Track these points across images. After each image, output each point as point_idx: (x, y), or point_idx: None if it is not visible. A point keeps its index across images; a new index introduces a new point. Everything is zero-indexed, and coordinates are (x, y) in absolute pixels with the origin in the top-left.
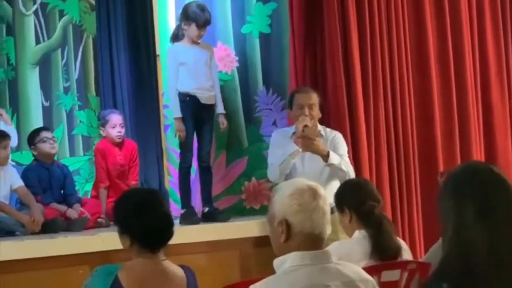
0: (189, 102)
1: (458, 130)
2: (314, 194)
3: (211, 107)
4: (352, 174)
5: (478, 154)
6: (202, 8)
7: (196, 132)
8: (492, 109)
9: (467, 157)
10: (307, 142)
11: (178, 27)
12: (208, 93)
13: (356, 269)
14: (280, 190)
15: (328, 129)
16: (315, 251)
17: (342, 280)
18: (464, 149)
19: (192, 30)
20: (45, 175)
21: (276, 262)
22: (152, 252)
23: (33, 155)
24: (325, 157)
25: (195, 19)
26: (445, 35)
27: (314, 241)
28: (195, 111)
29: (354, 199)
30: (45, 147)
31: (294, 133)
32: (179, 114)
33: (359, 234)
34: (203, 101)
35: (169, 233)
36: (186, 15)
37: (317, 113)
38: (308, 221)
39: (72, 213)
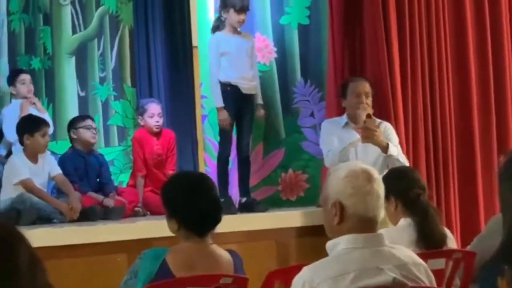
0: (230, 92)
1: (496, 120)
2: (368, 177)
3: (251, 98)
4: (407, 165)
5: None
6: None
7: (236, 122)
8: None
9: (504, 146)
10: (368, 133)
11: (218, 19)
12: (249, 83)
13: (409, 253)
14: (334, 173)
15: (378, 119)
16: (368, 233)
17: (395, 263)
18: (501, 138)
19: (231, 16)
20: (81, 163)
21: (329, 244)
22: (199, 237)
23: (71, 141)
24: (385, 148)
25: (233, 3)
26: (484, 29)
27: (367, 224)
28: (235, 102)
29: (400, 187)
30: (87, 134)
31: (347, 122)
32: (221, 103)
33: (405, 222)
34: (244, 91)
35: (218, 218)
36: (224, 2)
37: (371, 102)
38: (362, 204)
39: (109, 201)
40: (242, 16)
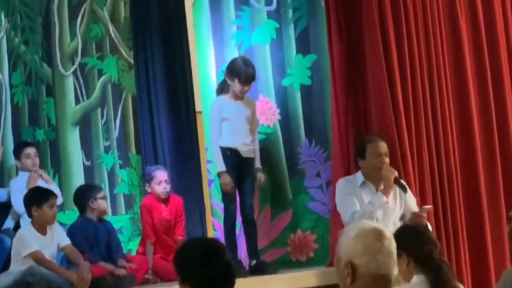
0: (230, 156)
1: (502, 174)
2: (379, 235)
3: (251, 160)
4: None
5: None
6: (247, 63)
7: (238, 185)
8: None
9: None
10: (421, 219)
11: (223, 82)
12: (248, 147)
13: None
14: (345, 233)
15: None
16: None
17: None
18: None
19: (235, 85)
20: (92, 232)
21: None
22: None
23: (81, 210)
24: None
25: (238, 74)
26: (485, 79)
27: (380, 283)
28: (236, 165)
29: (411, 244)
30: (104, 204)
31: (364, 182)
32: (223, 167)
33: (418, 279)
34: (244, 154)
35: (232, 282)
36: (230, 70)
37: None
38: (373, 262)
39: (121, 271)
40: (246, 88)
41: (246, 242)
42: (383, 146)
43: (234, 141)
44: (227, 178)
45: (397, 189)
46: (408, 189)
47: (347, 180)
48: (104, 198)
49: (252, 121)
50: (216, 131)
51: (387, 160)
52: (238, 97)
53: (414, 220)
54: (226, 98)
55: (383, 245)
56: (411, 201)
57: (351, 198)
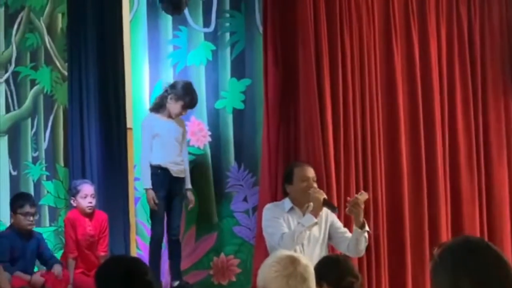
0: (160, 174)
1: (427, 210)
2: (292, 260)
3: (181, 180)
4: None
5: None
6: (192, 90)
7: (167, 204)
8: (461, 179)
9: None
10: (358, 206)
11: (163, 97)
12: (178, 166)
13: None
14: (264, 262)
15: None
16: None
17: None
18: (432, 227)
19: (175, 107)
20: (19, 244)
21: None
22: None
23: (10, 220)
24: (363, 224)
25: (183, 99)
26: (417, 112)
27: None
28: (166, 183)
29: (333, 275)
30: (24, 222)
31: (292, 207)
32: (148, 185)
33: None
34: (174, 174)
35: None
36: (176, 91)
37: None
38: (285, 287)
39: (37, 280)
40: (184, 113)
41: (169, 262)
42: (311, 171)
43: (165, 159)
44: (150, 195)
45: (322, 215)
46: (336, 209)
47: (274, 205)
48: (24, 214)
49: (183, 141)
50: (147, 147)
51: (315, 185)
52: (171, 116)
53: (350, 208)
54: (158, 116)
55: (296, 270)
56: (338, 222)
57: (279, 221)
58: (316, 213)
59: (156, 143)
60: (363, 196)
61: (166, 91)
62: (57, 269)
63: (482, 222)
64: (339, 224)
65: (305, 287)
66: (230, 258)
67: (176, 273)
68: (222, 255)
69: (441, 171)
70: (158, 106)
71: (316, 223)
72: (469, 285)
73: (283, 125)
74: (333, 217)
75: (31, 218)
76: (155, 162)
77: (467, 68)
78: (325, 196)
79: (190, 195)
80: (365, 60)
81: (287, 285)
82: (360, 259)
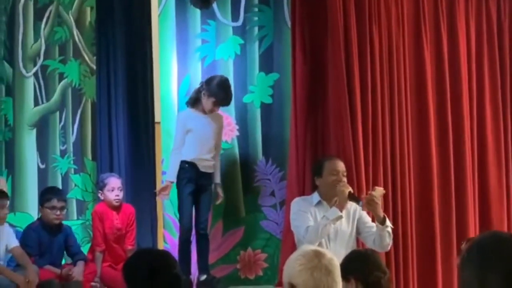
0: (188, 169)
1: (455, 203)
2: (317, 254)
3: (209, 175)
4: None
5: (472, 222)
6: (228, 87)
7: (195, 199)
8: (489, 178)
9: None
10: (373, 201)
11: (198, 92)
12: (207, 162)
13: None
14: (290, 257)
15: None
16: None
17: None
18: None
19: (208, 103)
20: (46, 238)
21: None
22: None
23: (38, 213)
24: (383, 220)
25: (215, 94)
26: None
27: None
28: (193, 178)
29: (360, 269)
30: (50, 216)
31: (320, 201)
32: (172, 178)
33: None
34: (201, 169)
35: None
36: (210, 87)
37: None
38: (310, 280)
39: (66, 273)
40: (216, 109)
41: (197, 256)
42: (341, 165)
43: (194, 155)
44: (169, 187)
45: (351, 210)
46: (361, 202)
47: (302, 199)
48: (50, 208)
49: (217, 136)
50: (178, 141)
51: (344, 179)
52: (205, 111)
53: (367, 203)
54: (193, 110)
55: (320, 262)
56: (366, 217)
57: (306, 214)
58: (341, 206)
59: (188, 138)
60: (378, 192)
61: (201, 85)
62: (77, 269)
63: (510, 220)
64: (367, 219)
65: (330, 280)
66: (257, 253)
67: (203, 267)
68: (249, 249)
69: (469, 169)
70: (193, 101)
71: (341, 217)
72: (497, 279)
73: (311, 119)
74: (361, 212)
75: (58, 212)
76: (184, 158)
77: (496, 66)
78: (350, 189)
79: (219, 190)
80: (394, 55)
81: (312, 277)
82: (388, 254)
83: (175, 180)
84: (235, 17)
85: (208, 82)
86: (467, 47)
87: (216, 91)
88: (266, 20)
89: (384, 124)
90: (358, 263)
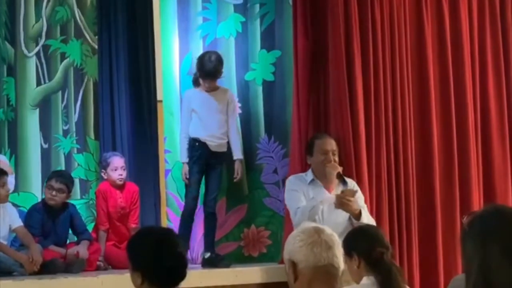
0: (198, 148)
1: (458, 180)
2: (317, 230)
3: (220, 155)
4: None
5: (476, 198)
6: (210, 59)
7: (204, 177)
8: (493, 153)
9: (466, 206)
10: (344, 202)
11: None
12: (218, 141)
13: None
14: (290, 235)
15: (349, 180)
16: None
17: None
18: (463, 198)
19: (201, 80)
20: (50, 218)
21: None
22: None
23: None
24: (357, 215)
25: (199, 68)
26: (447, 84)
27: (322, 275)
28: (203, 158)
29: (363, 245)
30: (46, 195)
31: (313, 179)
32: (184, 158)
33: (368, 281)
34: (212, 149)
35: (183, 274)
36: (196, 65)
37: (337, 159)
38: (310, 255)
39: (71, 253)
40: (206, 84)
41: (204, 234)
42: (331, 144)
43: (203, 133)
44: (184, 169)
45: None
46: (348, 181)
47: (296, 177)
48: (48, 187)
49: (228, 110)
50: (185, 120)
51: (335, 158)
52: (207, 89)
53: (338, 204)
54: (198, 89)
55: (320, 237)
56: (361, 201)
57: (298, 194)
58: (328, 187)
59: (195, 117)
60: (348, 193)
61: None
62: (81, 249)
63: None
64: (362, 202)
65: (330, 254)
66: (261, 230)
67: (209, 245)
68: (253, 226)
69: (473, 144)
70: (194, 81)
71: (331, 198)
72: (498, 252)
73: (313, 96)
74: (358, 193)
75: (54, 193)
76: (193, 135)
77: (500, 46)
78: (339, 170)
79: (238, 167)
80: (396, 33)
81: (312, 252)
82: (391, 230)
83: (187, 161)
84: None
85: (196, 62)
86: (469, 21)
87: (199, 67)
88: None
89: (387, 103)
90: (361, 239)
